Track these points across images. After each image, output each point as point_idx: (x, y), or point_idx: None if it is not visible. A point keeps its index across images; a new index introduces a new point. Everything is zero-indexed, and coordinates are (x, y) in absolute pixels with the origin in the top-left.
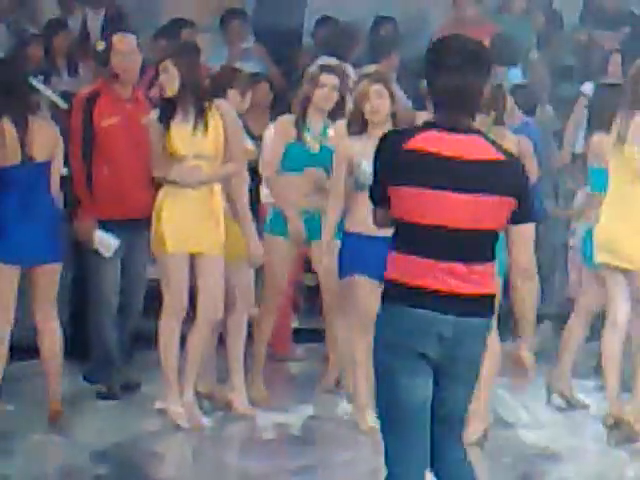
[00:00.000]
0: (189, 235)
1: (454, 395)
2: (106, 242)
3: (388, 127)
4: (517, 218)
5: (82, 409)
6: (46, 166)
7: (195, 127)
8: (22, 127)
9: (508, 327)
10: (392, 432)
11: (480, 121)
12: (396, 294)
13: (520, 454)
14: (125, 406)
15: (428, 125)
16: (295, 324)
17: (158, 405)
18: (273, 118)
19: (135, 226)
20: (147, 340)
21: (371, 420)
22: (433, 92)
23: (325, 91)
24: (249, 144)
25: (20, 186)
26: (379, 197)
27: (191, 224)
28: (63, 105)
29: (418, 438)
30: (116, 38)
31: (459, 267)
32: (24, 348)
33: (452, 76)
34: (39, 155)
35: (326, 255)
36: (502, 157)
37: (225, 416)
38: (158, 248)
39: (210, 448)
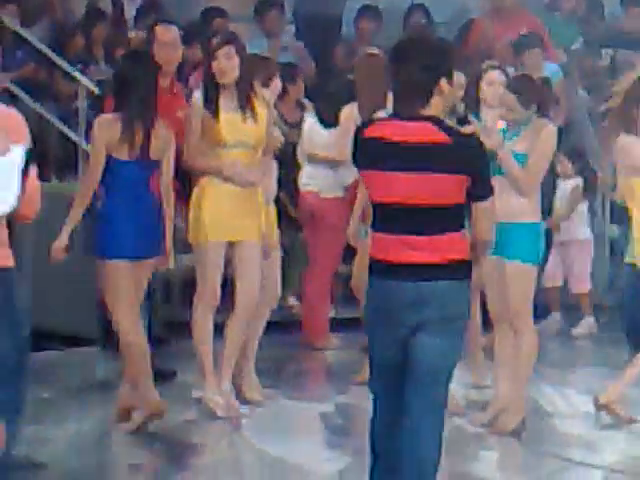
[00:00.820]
0: (229, 223)
1: (430, 348)
2: None
3: None
4: (474, 195)
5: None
6: (157, 164)
7: (244, 115)
8: (148, 125)
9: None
10: (373, 374)
11: (519, 113)
12: (375, 269)
13: (558, 444)
14: (163, 395)
15: (389, 115)
16: (332, 313)
17: (195, 394)
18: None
19: None
20: (184, 329)
21: None
22: (392, 84)
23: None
24: (278, 132)
25: (130, 182)
26: (363, 182)
27: (231, 212)
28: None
29: (390, 382)
30: (159, 29)
31: (419, 239)
32: (59, 336)
33: (400, 70)
34: (154, 154)
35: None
36: (450, 140)
37: (262, 405)
38: (196, 236)
39: (248, 437)
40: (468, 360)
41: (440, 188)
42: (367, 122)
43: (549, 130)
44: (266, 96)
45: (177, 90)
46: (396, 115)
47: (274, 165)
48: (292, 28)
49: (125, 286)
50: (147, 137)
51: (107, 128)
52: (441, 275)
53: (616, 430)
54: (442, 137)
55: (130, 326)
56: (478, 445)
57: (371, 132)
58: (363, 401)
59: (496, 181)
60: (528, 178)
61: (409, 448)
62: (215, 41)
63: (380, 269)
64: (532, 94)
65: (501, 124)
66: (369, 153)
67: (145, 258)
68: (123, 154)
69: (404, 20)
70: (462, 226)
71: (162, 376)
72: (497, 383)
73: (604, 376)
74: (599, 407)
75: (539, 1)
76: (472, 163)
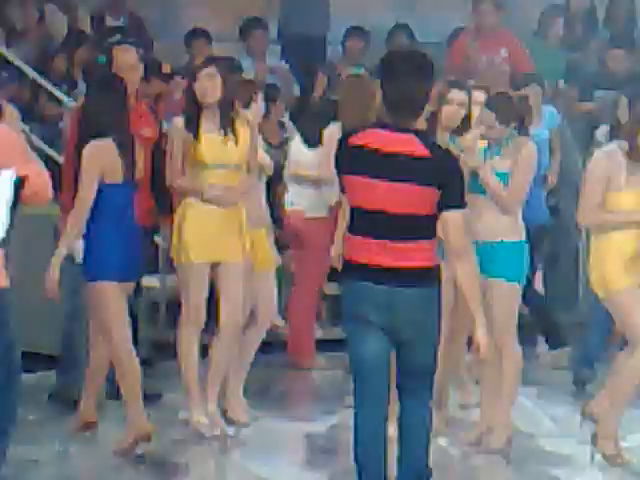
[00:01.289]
0: (212, 244)
1: (407, 355)
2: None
3: None
4: (445, 204)
5: (106, 419)
6: (138, 184)
7: (226, 136)
8: (127, 146)
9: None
10: (356, 382)
11: (499, 131)
12: (349, 271)
13: (544, 463)
14: (149, 416)
15: (377, 125)
16: (318, 334)
17: (181, 415)
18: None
19: None
20: (169, 349)
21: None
22: (383, 96)
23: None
24: (266, 157)
25: (120, 205)
26: (341, 186)
27: (214, 233)
28: None
29: (372, 388)
30: (117, 51)
31: (395, 245)
32: (44, 357)
33: (397, 83)
34: (138, 174)
35: None
36: (428, 154)
37: (248, 425)
38: (180, 257)
39: (234, 458)
40: (454, 379)
41: (417, 198)
42: (354, 130)
43: (529, 148)
44: (248, 117)
45: (140, 110)
46: (384, 126)
47: (262, 187)
48: (277, 48)
49: (121, 309)
50: (133, 158)
51: (100, 155)
52: (412, 281)
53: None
54: (423, 151)
55: (128, 351)
56: (464, 465)
57: (358, 140)
58: (349, 421)
59: (479, 200)
60: (511, 196)
61: (408, 444)
62: (197, 62)
63: (356, 271)
64: (510, 111)
65: (482, 143)
66: (355, 159)
67: (134, 279)
68: (117, 178)
69: (387, 40)
70: (434, 235)
71: (147, 399)
72: (483, 402)
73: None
74: (584, 413)
75: (527, 27)
76: (447, 176)
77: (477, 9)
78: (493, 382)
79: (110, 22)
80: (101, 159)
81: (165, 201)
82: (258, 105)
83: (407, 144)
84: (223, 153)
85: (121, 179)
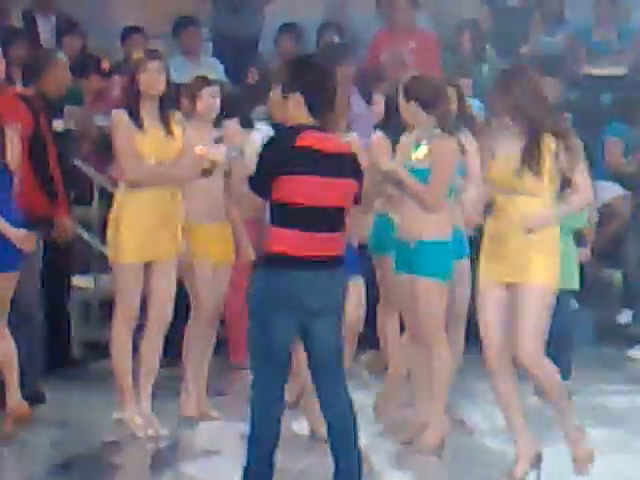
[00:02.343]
0: (147, 244)
1: (321, 335)
2: None
3: None
4: (359, 198)
5: (39, 421)
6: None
7: (166, 130)
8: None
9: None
10: (262, 367)
11: (423, 119)
12: (283, 262)
13: (479, 461)
14: (82, 417)
15: (306, 126)
16: None
17: (115, 415)
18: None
19: None
20: (102, 349)
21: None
22: (305, 100)
23: None
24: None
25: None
26: (265, 187)
27: (150, 232)
28: None
29: (278, 373)
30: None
31: (326, 236)
32: None
33: (332, 87)
34: (13, 164)
35: None
36: (348, 151)
37: (183, 425)
38: (116, 257)
39: (168, 458)
40: (388, 378)
41: (345, 192)
42: (287, 131)
43: (446, 144)
44: (179, 116)
45: (12, 101)
46: (313, 127)
47: (220, 183)
48: (209, 45)
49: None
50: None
51: None
52: (337, 267)
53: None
54: (347, 148)
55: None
56: (398, 463)
57: (304, 141)
58: (288, 421)
59: (403, 199)
60: (431, 194)
61: (336, 418)
62: (145, 54)
63: (288, 262)
64: (430, 93)
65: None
66: (304, 160)
67: (11, 270)
68: None
69: (317, 37)
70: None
71: (29, 398)
72: (417, 401)
73: (527, 392)
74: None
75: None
76: (361, 172)
77: (393, 4)
78: (425, 381)
79: (40, 21)
80: None
81: (51, 192)
82: (205, 101)
83: (337, 143)
84: (165, 147)
85: None
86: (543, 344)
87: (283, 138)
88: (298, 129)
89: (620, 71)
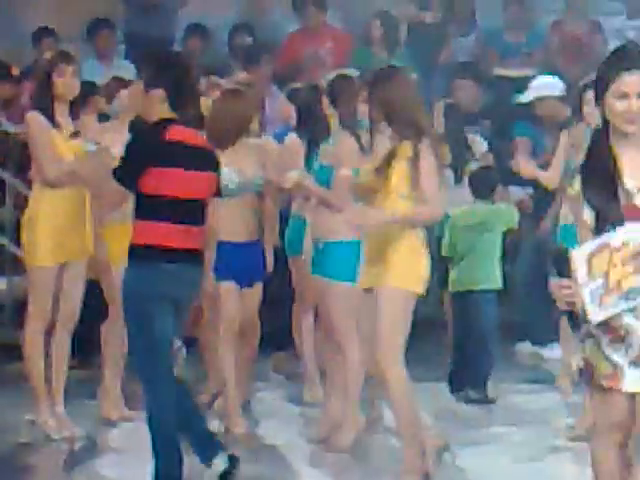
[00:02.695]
0: (62, 245)
1: (177, 324)
2: None
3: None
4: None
5: None
6: None
7: (74, 132)
8: None
9: None
10: (149, 360)
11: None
12: (151, 254)
13: (392, 460)
14: None
15: (172, 120)
16: None
17: (28, 417)
18: None
19: None
20: (15, 351)
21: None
22: (167, 95)
23: None
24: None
25: None
26: (132, 178)
27: (64, 233)
28: None
29: (166, 364)
30: None
31: (193, 229)
32: None
33: (188, 78)
34: None
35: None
36: (209, 145)
37: (99, 425)
38: (31, 259)
39: (83, 460)
40: (303, 377)
41: (208, 185)
42: (153, 125)
43: (348, 142)
44: (90, 117)
45: None
46: (178, 121)
47: None
48: (122, 48)
49: None
50: None
51: None
52: (197, 261)
53: (453, 445)
54: (204, 141)
55: None
56: (311, 462)
57: (173, 135)
58: (210, 422)
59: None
60: (335, 196)
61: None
62: (60, 57)
63: (162, 254)
64: (349, 90)
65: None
66: (175, 154)
67: None
68: None
69: (229, 39)
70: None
71: None
72: (328, 400)
73: (443, 390)
74: None
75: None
76: (220, 165)
77: (302, 11)
78: (337, 381)
79: None
80: None
81: None
82: (122, 100)
83: (197, 136)
84: (78, 148)
85: None
86: (401, 348)
87: (152, 131)
88: (165, 123)
89: (530, 72)
